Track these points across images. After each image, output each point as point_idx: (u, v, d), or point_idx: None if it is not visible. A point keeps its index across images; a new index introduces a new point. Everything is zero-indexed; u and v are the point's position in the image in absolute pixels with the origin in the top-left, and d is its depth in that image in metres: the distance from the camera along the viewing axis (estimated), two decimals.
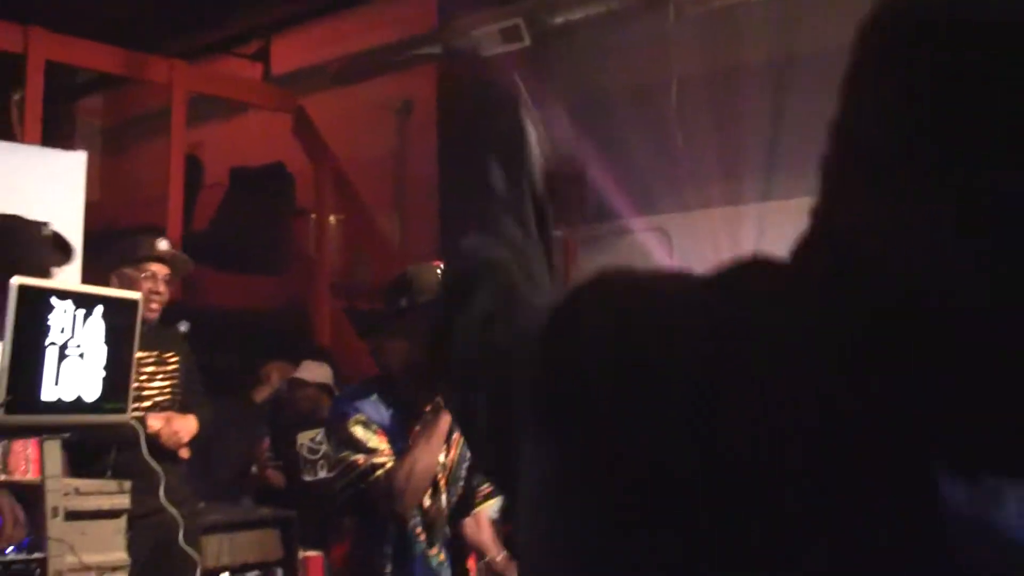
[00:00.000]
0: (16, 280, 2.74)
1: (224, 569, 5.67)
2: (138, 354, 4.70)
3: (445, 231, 8.80)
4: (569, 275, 8.69)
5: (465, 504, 3.65)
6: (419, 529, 3.54)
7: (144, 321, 4.70)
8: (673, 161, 7.80)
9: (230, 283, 8.57)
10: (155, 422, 4.75)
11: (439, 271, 3.49)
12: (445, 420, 3.43)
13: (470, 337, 1.26)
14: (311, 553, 6.23)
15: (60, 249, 3.94)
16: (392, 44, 9.59)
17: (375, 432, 3.46)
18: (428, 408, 3.47)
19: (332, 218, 8.95)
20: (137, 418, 4.11)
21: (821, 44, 7.17)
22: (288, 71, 9.78)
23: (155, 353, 4.99)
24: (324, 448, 6.67)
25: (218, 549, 5.69)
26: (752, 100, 7.46)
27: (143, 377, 4.88)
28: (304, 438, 6.80)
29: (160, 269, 4.96)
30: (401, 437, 3.51)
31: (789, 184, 7.23)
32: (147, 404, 4.89)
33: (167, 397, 4.99)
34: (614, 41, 8.35)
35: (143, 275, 4.90)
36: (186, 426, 4.95)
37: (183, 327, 5.29)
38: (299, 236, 9.44)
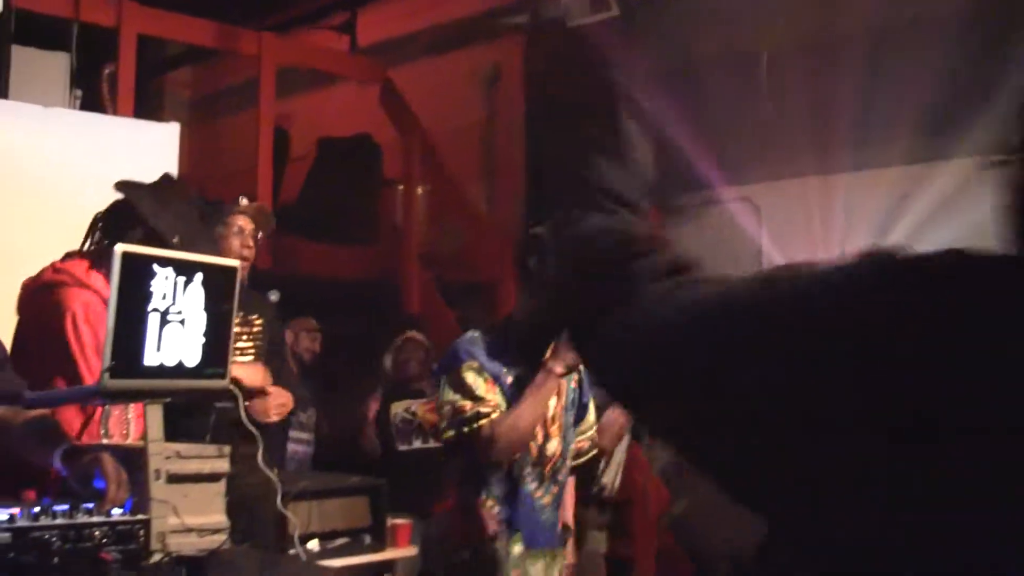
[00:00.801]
0: (119, 247, 2.77)
1: (313, 536, 5.72)
2: None
3: (537, 208, 8.78)
4: None
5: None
6: (527, 471, 3.74)
7: None
8: (763, 130, 7.71)
9: (320, 253, 8.63)
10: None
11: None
12: (555, 381, 3.67)
13: (664, 310, 1.14)
14: (400, 520, 6.27)
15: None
16: (480, 13, 9.58)
17: (486, 380, 3.67)
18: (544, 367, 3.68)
19: (420, 188, 8.96)
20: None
21: (916, 11, 7.06)
22: (375, 42, 9.80)
23: (240, 314, 5.01)
24: (417, 420, 6.71)
25: (307, 516, 5.74)
26: (845, 67, 7.34)
27: None
28: (398, 407, 6.83)
29: (246, 223, 4.97)
30: (513, 390, 3.70)
31: (882, 153, 7.12)
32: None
33: (250, 358, 5.01)
34: (702, 8, 8.28)
35: (232, 230, 4.92)
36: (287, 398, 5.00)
37: (273, 296, 5.33)
38: (387, 206, 9.47)
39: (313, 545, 5.67)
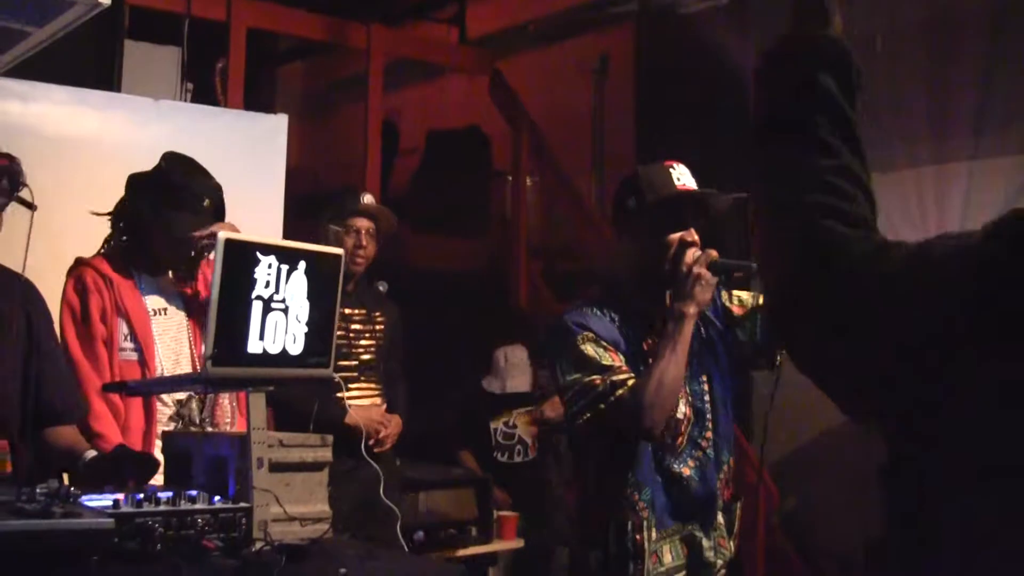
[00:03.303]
0: (223, 235, 2.77)
1: (420, 526, 5.75)
2: (348, 310, 4.81)
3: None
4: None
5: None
6: (656, 445, 3.30)
7: (351, 276, 4.80)
8: (877, 117, 7.54)
9: (429, 244, 8.65)
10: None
11: (671, 170, 3.32)
12: (690, 324, 3.21)
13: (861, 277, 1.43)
14: (506, 513, 6.27)
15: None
16: (588, 2, 9.51)
17: (607, 349, 3.22)
18: (665, 318, 3.23)
19: (529, 180, 8.92)
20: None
21: None
22: (484, 34, 9.78)
23: (364, 311, 5.06)
24: (517, 432, 6.72)
25: (415, 506, 5.78)
26: (961, 51, 7.16)
27: (352, 334, 4.95)
28: (497, 423, 6.82)
29: (364, 224, 5.05)
30: (634, 351, 3.30)
31: (999, 141, 6.92)
32: (355, 363, 4.96)
33: (372, 356, 5.04)
34: None
35: (348, 231, 5.00)
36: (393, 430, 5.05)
37: (382, 287, 5.34)
38: (496, 198, 9.45)
39: (420, 536, 5.69)
